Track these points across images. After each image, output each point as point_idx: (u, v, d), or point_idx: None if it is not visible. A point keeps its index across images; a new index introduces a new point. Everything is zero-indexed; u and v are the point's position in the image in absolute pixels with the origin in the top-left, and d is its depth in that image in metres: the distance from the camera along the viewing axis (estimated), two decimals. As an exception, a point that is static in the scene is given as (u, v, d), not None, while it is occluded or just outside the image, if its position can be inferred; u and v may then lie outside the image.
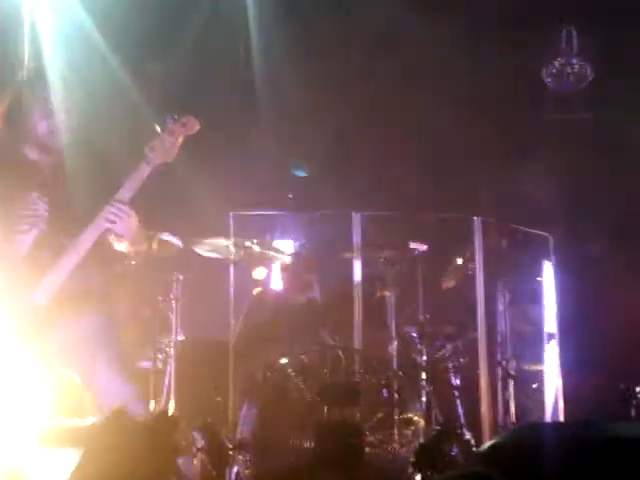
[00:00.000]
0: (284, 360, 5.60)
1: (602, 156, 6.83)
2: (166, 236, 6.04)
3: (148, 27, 6.94)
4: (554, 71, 6.73)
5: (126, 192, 4.27)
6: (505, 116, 7.02)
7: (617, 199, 6.98)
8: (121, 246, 4.50)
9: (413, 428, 5.48)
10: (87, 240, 4.26)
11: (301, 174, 7.06)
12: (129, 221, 4.29)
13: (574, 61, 6.69)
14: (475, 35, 6.65)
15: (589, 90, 6.79)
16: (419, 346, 6.21)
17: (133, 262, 6.17)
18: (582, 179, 6.96)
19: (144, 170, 4.30)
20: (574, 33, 6.63)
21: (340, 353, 5.68)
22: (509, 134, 7.02)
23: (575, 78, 6.68)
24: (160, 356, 6.31)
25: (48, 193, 4.38)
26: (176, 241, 6.06)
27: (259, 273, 6.61)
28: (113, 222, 4.25)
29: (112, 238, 4.47)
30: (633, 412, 5.84)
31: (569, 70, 6.69)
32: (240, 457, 5.26)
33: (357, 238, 6.18)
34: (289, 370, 5.55)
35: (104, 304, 4.49)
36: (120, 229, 4.30)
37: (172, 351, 6.26)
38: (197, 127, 4.42)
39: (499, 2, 6.59)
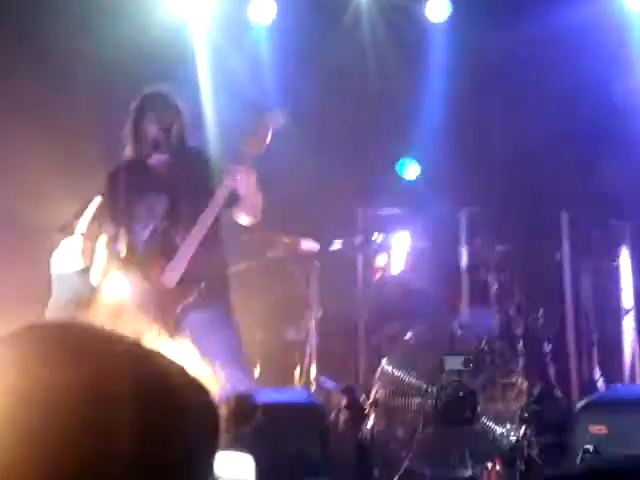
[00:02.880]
0: (409, 334, 5.88)
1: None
2: (305, 242, 6.42)
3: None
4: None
5: (244, 161, 4.38)
6: (582, 116, 7.10)
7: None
8: (243, 220, 4.61)
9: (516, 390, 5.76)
10: (215, 205, 4.36)
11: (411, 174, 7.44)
12: (249, 179, 4.35)
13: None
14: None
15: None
16: (517, 320, 6.34)
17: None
18: None
19: (245, 162, 4.39)
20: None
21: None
22: (592, 139, 7.11)
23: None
24: (304, 328, 6.64)
25: (165, 190, 4.56)
26: (314, 245, 6.43)
27: (381, 260, 6.85)
28: (235, 180, 4.32)
29: (236, 215, 4.58)
30: None
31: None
32: (374, 413, 5.50)
33: (463, 231, 6.50)
34: (409, 344, 5.82)
35: (225, 292, 4.62)
36: (243, 187, 4.36)
37: (313, 324, 6.53)
38: (283, 120, 4.47)
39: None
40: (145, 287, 4.44)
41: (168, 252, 4.48)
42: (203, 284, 4.43)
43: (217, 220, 4.57)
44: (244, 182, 4.40)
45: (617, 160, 7.01)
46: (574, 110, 7.06)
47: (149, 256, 4.53)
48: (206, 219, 4.43)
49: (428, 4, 7.33)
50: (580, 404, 5.22)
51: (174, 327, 4.29)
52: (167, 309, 4.34)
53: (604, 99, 7.02)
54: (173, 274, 4.41)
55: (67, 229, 4.16)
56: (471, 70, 7.24)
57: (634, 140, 6.96)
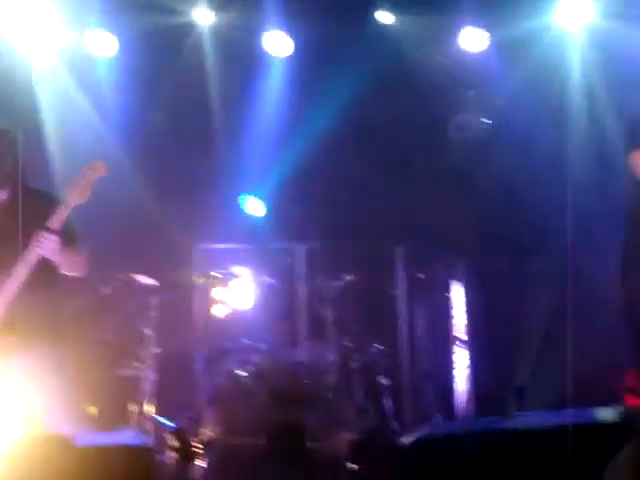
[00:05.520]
0: (241, 371, 5.64)
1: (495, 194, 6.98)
2: (141, 278, 6.13)
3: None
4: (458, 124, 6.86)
5: (53, 223, 4.24)
6: (422, 161, 7.10)
7: (513, 224, 7.08)
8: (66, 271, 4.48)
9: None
10: (24, 266, 4.23)
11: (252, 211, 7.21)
12: (52, 245, 4.23)
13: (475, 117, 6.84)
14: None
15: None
16: (353, 354, 6.22)
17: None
18: (482, 212, 7.06)
19: (64, 210, 4.27)
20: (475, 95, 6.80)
21: (288, 364, 5.85)
22: (427, 177, 7.09)
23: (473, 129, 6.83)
24: (139, 365, 6.32)
25: None
26: (150, 281, 6.14)
27: (220, 295, 6.59)
28: (41, 246, 4.21)
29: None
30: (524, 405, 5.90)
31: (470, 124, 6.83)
32: (204, 453, 5.28)
33: (301, 267, 6.30)
34: (245, 379, 5.62)
35: (57, 337, 4.45)
36: (48, 252, 4.24)
37: (150, 361, 6.21)
38: (104, 170, 4.34)
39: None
40: None
41: None
42: (21, 331, 4.27)
43: (46, 267, 4.35)
44: (47, 249, 4.26)
45: (451, 197, 7.03)
46: (411, 143, 7.05)
47: None
48: (20, 273, 4.25)
49: (265, 38, 7.07)
50: (408, 439, 5.03)
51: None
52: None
53: (439, 133, 7.02)
54: None
55: None
56: (314, 106, 7.06)
57: (466, 176, 6.96)
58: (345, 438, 5.53)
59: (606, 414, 4.15)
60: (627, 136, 4.43)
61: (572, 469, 3.77)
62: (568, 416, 4.18)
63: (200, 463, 5.25)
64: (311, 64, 7.09)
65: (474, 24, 6.75)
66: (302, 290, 6.37)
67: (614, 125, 5.93)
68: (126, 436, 5.63)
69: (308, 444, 5.41)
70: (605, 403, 4.36)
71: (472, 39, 6.80)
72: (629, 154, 4.28)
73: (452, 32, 6.87)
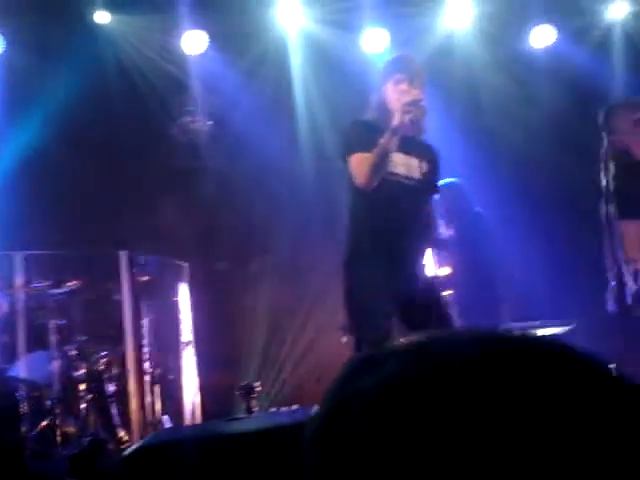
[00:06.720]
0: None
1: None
2: None
3: None
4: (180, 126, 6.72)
5: None
6: (144, 164, 6.89)
7: (236, 224, 7.03)
8: None
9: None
10: None
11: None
12: None
13: (196, 119, 6.72)
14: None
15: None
16: (78, 362, 5.95)
17: None
18: (208, 216, 6.97)
19: None
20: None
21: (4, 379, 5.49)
22: (150, 180, 6.90)
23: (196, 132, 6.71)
24: None
25: None
26: None
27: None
28: None
29: None
30: (253, 404, 5.88)
31: (191, 126, 6.70)
32: None
33: (19, 276, 5.90)
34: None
35: None
36: None
37: None
38: None
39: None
40: None
41: None
42: None
43: None
44: None
45: (176, 200, 6.88)
46: (133, 147, 6.82)
47: None
48: None
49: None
50: (129, 450, 4.83)
51: None
52: None
53: (161, 136, 6.81)
54: None
55: None
56: (30, 108, 6.67)
57: (189, 179, 6.83)
58: (68, 452, 5.25)
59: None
60: (343, 141, 4.35)
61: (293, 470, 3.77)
62: (286, 416, 4.15)
63: None
64: (25, 65, 6.68)
65: (194, 25, 6.64)
66: (21, 299, 5.89)
67: (330, 129, 6.00)
68: None
69: (28, 463, 5.06)
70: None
71: (193, 41, 6.69)
72: (346, 158, 4.21)
73: (172, 34, 6.71)
